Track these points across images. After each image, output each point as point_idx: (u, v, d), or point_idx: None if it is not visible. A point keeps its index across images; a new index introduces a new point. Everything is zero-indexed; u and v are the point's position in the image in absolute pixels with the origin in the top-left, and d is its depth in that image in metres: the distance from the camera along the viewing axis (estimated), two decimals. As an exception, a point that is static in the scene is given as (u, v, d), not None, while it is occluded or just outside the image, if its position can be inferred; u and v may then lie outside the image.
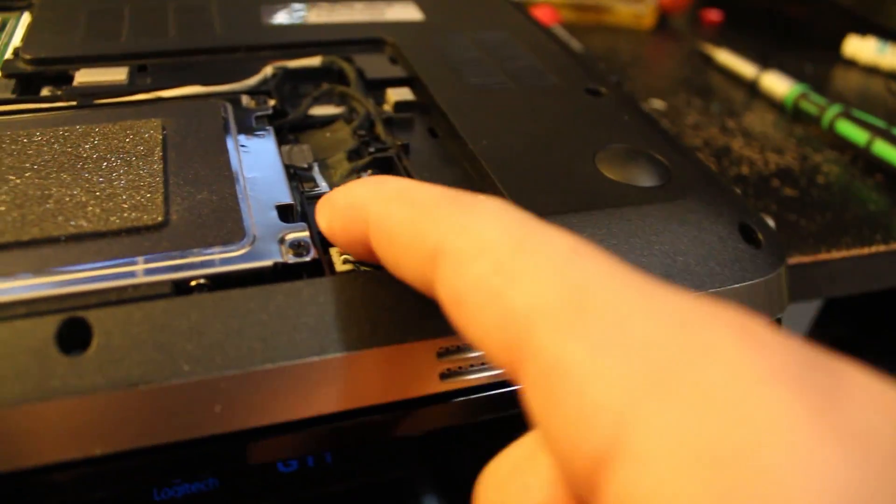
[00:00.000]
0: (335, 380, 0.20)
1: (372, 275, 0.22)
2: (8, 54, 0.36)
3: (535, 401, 0.14)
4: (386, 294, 0.21)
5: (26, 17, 0.41)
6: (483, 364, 0.22)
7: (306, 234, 0.23)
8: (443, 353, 0.21)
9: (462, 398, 0.22)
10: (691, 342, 0.13)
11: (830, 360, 0.13)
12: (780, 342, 0.13)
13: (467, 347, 0.22)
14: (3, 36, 0.39)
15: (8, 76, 0.33)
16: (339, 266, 0.23)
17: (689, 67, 0.61)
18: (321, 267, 0.23)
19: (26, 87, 0.33)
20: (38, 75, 0.34)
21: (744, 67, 0.58)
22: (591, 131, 0.30)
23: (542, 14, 0.62)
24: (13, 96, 0.32)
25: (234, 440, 0.20)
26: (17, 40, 0.38)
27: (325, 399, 0.20)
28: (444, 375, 0.22)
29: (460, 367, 0.22)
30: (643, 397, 0.12)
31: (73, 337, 0.19)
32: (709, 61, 0.62)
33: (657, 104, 0.53)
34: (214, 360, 0.19)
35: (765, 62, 0.58)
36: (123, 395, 0.19)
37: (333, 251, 0.23)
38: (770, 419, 0.12)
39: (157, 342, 0.19)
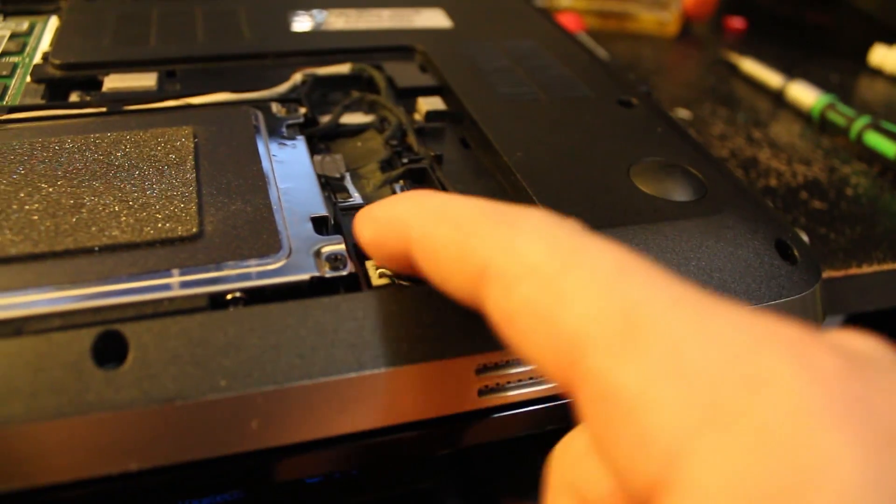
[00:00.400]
0: (373, 396, 0.20)
1: (409, 290, 0.22)
2: (37, 59, 0.36)
3: (591, 420, 0.14)
4: (424, 309, 0.21)
5: (54, 22, 0.41)
6: (521, 381, 0.22)
7: (342, 247, 0.23)
8: (481, 370, 0.21)
9: (500, 414, 0.22)
10: (748, 371, 0.13)
11: (890, 385, 0.13)
12: (839, 370, 0.13)
13: (506, 364, 0.21)
14: (31, 40, 0.38)
15: (37, 81, 0.33)
16: (376, 280, 0.23)
17: (714, 76, 0.60)
18: (358, 281, 0.22)
19: (55, 92, 0.33)
20: (67, 80, 0.34)
21: (769, 77, 0.57)
22: (625, 144, 0.30)
23: (567, 21, 0.62)
24: (43, 102, 0.32)
25: (271, 456, 0.20)
26: (45, 45, 0.37)
27: (363, 416, 0.20)
28: (483, 392, 0.21)
29: (498, 384, 0.21)
30: (698, 429, 0.12)
31: (109, 350, 0.19)
32: (733, 70, 0.61)
33: (683, 114, 0.52)
34: (252, 375, 0.19)
35: (789, 71, 0.58)
36: (160, 411, 0.19)
37: (369, 264, 0.23)
38: (823, 463, 0.11)
39: (194, 357, 0.19)
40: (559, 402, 0.23)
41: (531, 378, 0.22)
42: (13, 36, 0.39)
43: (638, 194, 0.27)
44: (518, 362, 0.21)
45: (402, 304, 0.21)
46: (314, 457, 0.21)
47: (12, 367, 0.19)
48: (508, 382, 0.22)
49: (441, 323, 0.21)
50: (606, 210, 0.26)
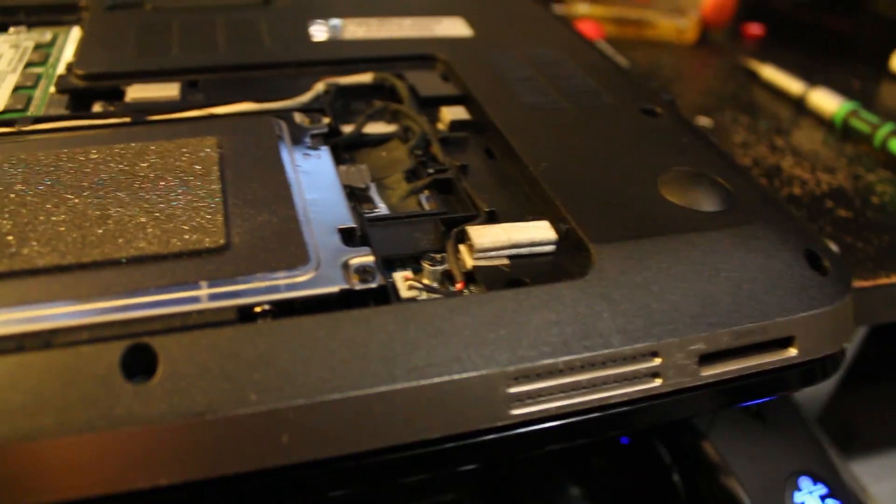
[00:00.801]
0: (404, 410, 0.20)
1: (438, 302, 0.21)
2: (60, 69, 0.36)
3: None
4: (454, 321, 0.21)
5: (76, 32, 0.41)
6: (553, 394, 0.21)
7: (372, 258, 0.23)
8: (514, 383, 0.21)
9: (532, 428, 0.22)
10: None
11: None
12: None
13: (539, 377, 0.21)
14: (54, 51, 0.39)
15: (61, 91, 0.33)
16: (404, 292, 0.22)
17: (734, 83, 0.60)
18: (387, 293, 0.22)
19: (79, 102, 0.33)
20: (90, 91, 0.34)
21: (790, 83, 0.57)
22: (651, 153, 0.30)
23: (586, 28, 0.62)
24: (67, 112, 0.32)
25: (300, 471, 0.20)
26: (68, 55, 0.38)
27: (394, 430, 0.20)
28: (514, 405, 0.21)
29: (530, 398, 0.21)
30: None
31: (138, 364, 0.19)
32: (753, 77, 0.61)
33: (704, 122, 0.52)
34: (282, 389, 0.19)
35: (810, 78, 0.57)
36: (190, 425, 0.18)
37: (398, 276, 0.23)
38: None
39: (224, 370, 0.19)
40: (592, 416, 0.22)
41: (563, 391, 0.22)
42: (37, 47, 0.39)
43: (666, 205, 0.27)
44: (551, 374, 0.21)
45: (431, 316, 0.21)
46: (345, 472, 0.20)
47: (41, 380, 0.18)
48: (540, 395, 0.21)
49: (470, 334, 0.21)
50: (636, 221, 0.25)
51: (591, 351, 0.22)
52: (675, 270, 0.24)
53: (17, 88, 0.34)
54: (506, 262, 0.24)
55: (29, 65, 0.37)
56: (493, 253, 0.24)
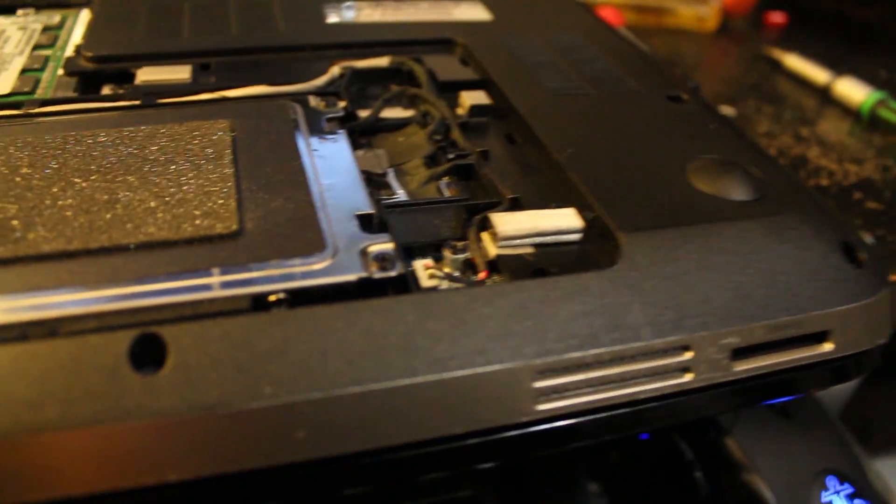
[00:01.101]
0: (425, 405, 0.19)
1: (460, 291, 0.20)
2: (69, 52, 0.35)
3: None
4: (477, 312, 0.20)
5: (85, 14, 0.40)
6: (581, 388, 0.20)
7: (391, 246, 0.22)
8: (539, 377, 0.20)
9: (558, 424, 0.21)
10: None
11: None
12: None
13: (565, 370, 0.20)
14: (62, 33, 0.38)
15: (70, 74, 0.33)
16: (425, 281, 0.21)
17: (756, 72, 0.59)
18: (406, 282, 0.21)
19: (87, 85, 0.33)
20: (99, 73, 0.33)
21: (815, 73, 0.56)
22: (679, 141, 0.29)
23: (607, 15, 0.61)
24: (75, 95, 0.31)
25: (316, 468, 0.19)
26: (77, 38, 0.37)
27: (415, 425, 0.19)
28: (540, 400, 0.20)
29: (557, 392, 0.20)
30: None
31: (147, 354, 0.18)
32: (776, 66, 0.60)
33: (727, 111, 0.51)
34: (298, 382, 0.18)
35: (834, 67, 0.56)
36: (200, 418, 0.18)
37: (418, 264, 0.22)
38: None
39: (237, 362, 0.18)
40: (620, 412, 0.21)
41: (591, 386, 0.21)
42: (45, 29, 0.38)
43: (695, 193, 0.26)
44: (578, 368, 0.20)
45: (453, 306, 0.20)
46: (362, 469, 0.19)
47: (46, 370, 0.18)
48: (567, 390, 0.20)
49: (493, 325, 0.20)
50: (664, 209, 0.24)
51: (620, 344, 0.21)
52: (706, 261, 0.23)
53: (24, 71, 0.34)
54: (530, 250, 0.23)
55: (37, 47, 0.36)
56: (517, 241, 0.23)
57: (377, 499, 0.26)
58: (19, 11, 0.41)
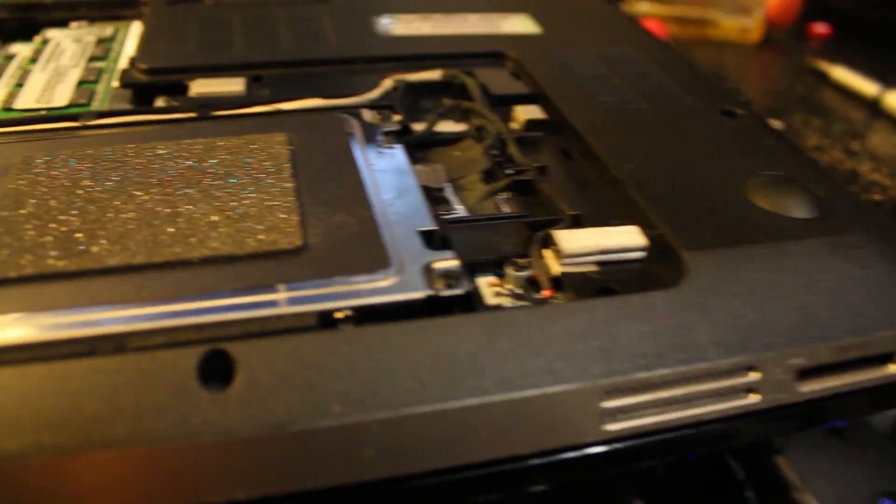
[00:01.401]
0: (493, 424, 0.19)
1: (526, 310, 0.20)
2: (122, 64, 0.36)
3: None
4: (545, 331, 0.20)
5: (137, 27, 0.40)
6: (647, 409, 0.20)
7: (457, 263, 0.21)
8: (607, 397, 0.19)
9: (624, 444, 0.20)
10: None
11: None
12: None
13: (632, 390, 0.20)
14: (115, 45, 0.38)
15: (125, 86, 0.33)
16: (489, 299, 0.21)
17: (802, 84, 0.58)
18: (472, 300, 0.21)
19: (141, 97, 0.33)
20: (153, 85, 0.33)
21: (863, 85, 0.55)
22: (736, 157, 0.28)
23: (651, 27, 0.60)
24: (131, 107, 0.31)
25: (383, 487, 0.19)
26: (129, 50, 0.37)
27: (483, 445, 0.19)
28: (608, 420, 0.20)
29: (623, 412, 0.20)
30: None
31: (215, 371, 0.18)
32: (822, 78, 0.59)
33: (775, 124, 0.50)
34: (366, 401, 0.18)
35: (882, 77, 0.55)
36: (269, 437, 0.17)
37: (482, 282, 0.22)
38: None
39: (306, 380, 0.18)
40: (685, 433, 0.21)
41: (657, 406, 0.20)
42: (99, 41, 0.39)
43: (756, 211, 0.25)
44: (645, 388, 0.20)
45: (521, 325, 0.20)
46: (429, 489, 0.19)
47: (115, 386, 0.18)
48: (634, 410, 0.20)
49: (561, 345, 0.19)
50: (727, 227, 0.24)
51: (686, 364, 0.20)
52: (771, 280, 0.22)
53: (80, 83, 0.34)
54: (594, 268, 0.23)
55: (91, 59, 0.36)
56: (580, 259, 0.23)
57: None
58: (73, 24, 0.41)
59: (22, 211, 0.23)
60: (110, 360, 0.18)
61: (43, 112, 0.31)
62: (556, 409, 0.19)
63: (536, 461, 0.20)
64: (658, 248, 0.23)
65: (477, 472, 0.19)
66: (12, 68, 0.35)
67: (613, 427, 0.20)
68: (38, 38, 0.39)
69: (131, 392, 0.18)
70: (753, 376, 0.21)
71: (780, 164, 0.28)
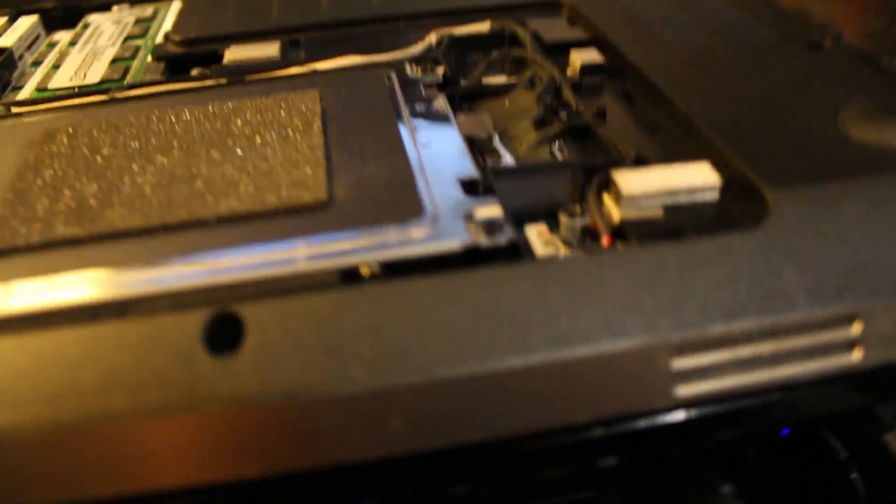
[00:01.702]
0: (543, 389, 0.16)
1: (583, 259, 0.18)
2: (159, 40, 0.34)
3: None
4: (603, 281, 0.17)
5: (177, 5, 0.39)
6: (726, 369, 0.17)
7: (499, 210, 0.19)
8: (678, 355, 0.17)
9: (700, 411, 0.17)
10: None
11: None
12: None
13: (708, 347, 0.17)
14: (154, 24, 0.37)
15: (158, 59, 0.31)
16: (540, 249, 0.19)
17: (896, 33, 0.53)
18: (518, 250, 0.18)
19: (175, 69, 0.31)
20: (187, 57, 0.32)
21: (965, 29, 0.50)
22: (826, 89, 0.25)
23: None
24: (162, 78, 0.30)
25: (415, 463, 0.16)
26: (167, 27, 0.36)
27: (529, 413, 0.16)
28: (679, 383, 0.17)
29: (698, 373, 0.17)
30: None
31: (224, 335, 0.16)
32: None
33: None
34: (393, 364, 0.15)
35: None
36: (282, 406, 0.15)
37: (530, 232, 0.19)
38: None
39: (323, 342, 0.16)
40: (773, 398, 0.18)
41: (738, 365, 0.17)
42: (137, 21, 0.37)
43: (851, 143, 0.22)
44: (723, 344, 0.17)
45: (574, 275, 0.17)
46: (468, 464, 0.17)
47: (115, 353, 0.16)
48: (711, 370, 0.17)
49: (625, 295, 0.17)
50: (817, 162, 0.21)
51: (772, 314, 0.17)
52: (871, 218, 0.19)
53: (114, 60, 0.33)
54: (659, 212, 0.20)
55: (128, 38, 0.35)
56: (644, 202, 0.20)
57: (485, 499, 0.23)
58: (114, 8, 0.40)
59: (38, 181, 0.22)
60: (110, 326, 0.16)
61: (74, 89, 0.30)
62: (618, 369, 0.16)
63: (596, 432, 0.17)
64: (735, 187, 0.20)
65: (524, 445, 0.16)
66: (52, 54, 0.34)
67: (686, 390, 0.17)
68: (80, 24, 0.38)
69: (132, 360, 0.16)
70: (855, 329, 0.18)
71: (879, 94, 0.24)
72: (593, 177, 0.21)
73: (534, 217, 0.21)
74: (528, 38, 0.30)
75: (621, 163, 0.22)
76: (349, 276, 0.17)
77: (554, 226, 0.20)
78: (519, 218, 0.20)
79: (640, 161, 0.22)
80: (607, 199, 0.20)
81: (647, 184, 0.20)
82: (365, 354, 0.16)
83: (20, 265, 0.19)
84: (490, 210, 0.19)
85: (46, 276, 0.18)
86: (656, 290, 0.17)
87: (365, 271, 0.17)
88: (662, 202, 0.20)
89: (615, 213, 0.20)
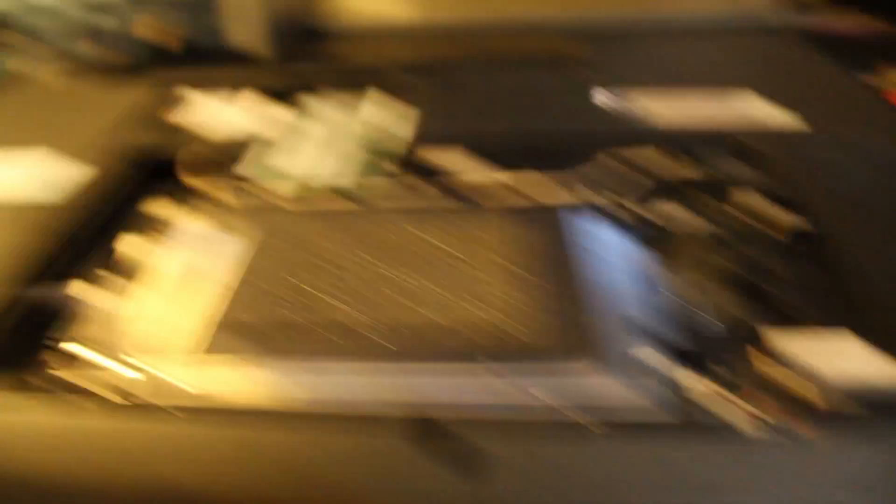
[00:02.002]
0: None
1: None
2: (395, 145, 0.37)
3: None
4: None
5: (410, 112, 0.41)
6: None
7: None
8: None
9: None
10: None
11: None
12: None
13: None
14: (390, 128, 0.40)
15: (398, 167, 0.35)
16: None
17: None
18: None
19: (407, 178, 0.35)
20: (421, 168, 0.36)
21: None
22: None
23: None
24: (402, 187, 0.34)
25: None
26: (401, 132, 0.39)
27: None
28: None
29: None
30: None
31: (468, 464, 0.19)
32: None
33: None
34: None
35: None
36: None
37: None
38: None
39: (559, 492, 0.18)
40: None
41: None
42: (371, 124, 0.40)
43: None
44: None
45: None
46: None
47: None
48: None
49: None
50: None
51: None
52: None
53: (347, 160, 0.36)
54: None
55: (366, 141, 0.38)
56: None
57: None
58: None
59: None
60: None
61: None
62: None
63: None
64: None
65: None
66: (294, 140, 0.38)
67: None
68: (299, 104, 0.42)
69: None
70: None
71: None
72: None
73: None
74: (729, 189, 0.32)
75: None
76: (581, 431, 0.20)
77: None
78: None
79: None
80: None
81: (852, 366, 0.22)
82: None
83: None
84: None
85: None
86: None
87: (592, 427, 0.20)
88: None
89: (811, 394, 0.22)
